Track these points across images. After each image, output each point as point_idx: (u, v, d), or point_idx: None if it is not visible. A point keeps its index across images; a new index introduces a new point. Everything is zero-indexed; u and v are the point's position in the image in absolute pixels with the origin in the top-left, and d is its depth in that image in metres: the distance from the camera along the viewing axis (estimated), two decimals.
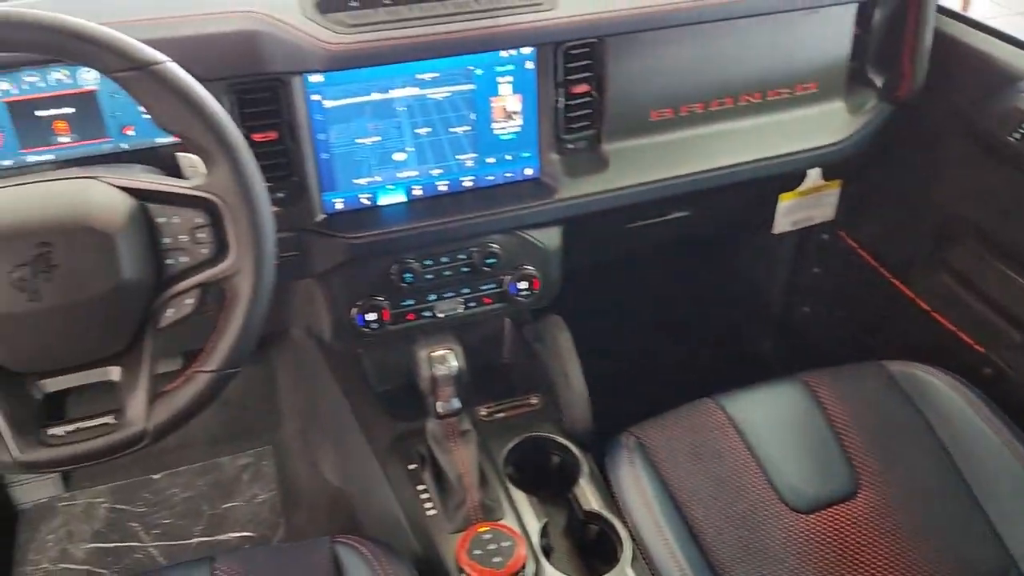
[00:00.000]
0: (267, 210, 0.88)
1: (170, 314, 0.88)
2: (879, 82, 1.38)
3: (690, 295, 1.89)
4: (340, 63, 1.02)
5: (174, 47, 0.85)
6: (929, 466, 1.23)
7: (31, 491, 1.70)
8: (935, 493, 1.20)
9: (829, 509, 1.19)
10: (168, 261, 0.87)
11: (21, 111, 1.03)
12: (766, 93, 1.31)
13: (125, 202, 0.85)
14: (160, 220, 0.86)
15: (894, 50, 1.34)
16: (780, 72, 1.30)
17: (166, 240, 0.86)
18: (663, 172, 1.27)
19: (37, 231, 0.80)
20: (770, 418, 1.28)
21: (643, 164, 1.26)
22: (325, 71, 1.05)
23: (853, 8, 1.31)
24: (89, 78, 1.05)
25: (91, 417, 0.87)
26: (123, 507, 1.69)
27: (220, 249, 0.87)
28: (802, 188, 1.51)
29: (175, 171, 0.98)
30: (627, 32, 1.15)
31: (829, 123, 1.36)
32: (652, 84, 1.23)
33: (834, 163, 1.41)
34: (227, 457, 1.78)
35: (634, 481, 1.20)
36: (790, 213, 1.54)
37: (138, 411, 0.87)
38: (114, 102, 1.07)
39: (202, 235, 0.86)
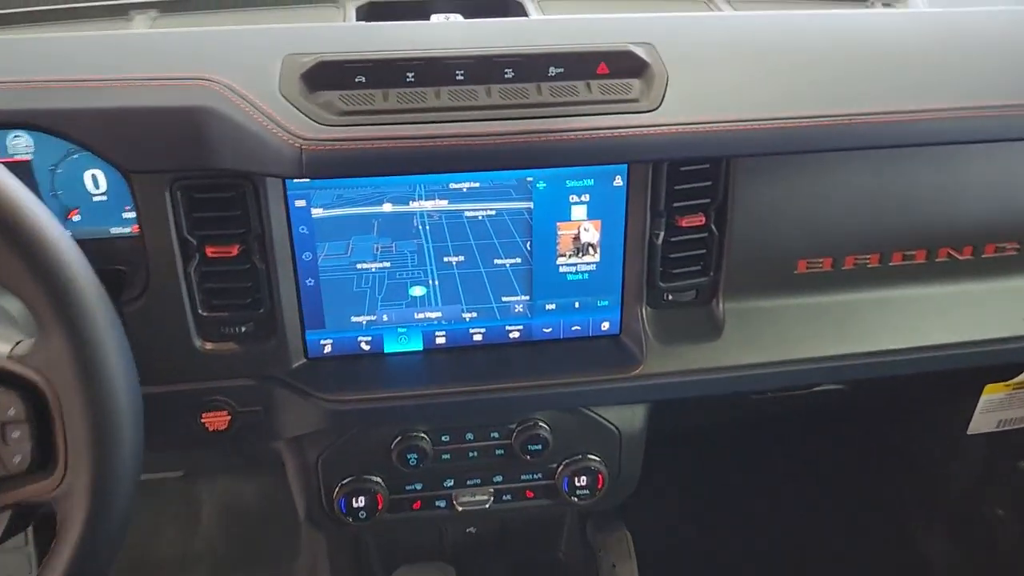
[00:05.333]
0: (124, 405, 0.56)
1: None
2: None
3: (831, 469, 1.41)
4: (319, 170, 0.69)
5: (95, 120, 0.69)
6: None
7: None
8: None
9: None
10: None
11: None
12: (980, 248, 0.87)
13: None
14: None
15: None
16: (1003, 221, 0.86)
17: None
18: (807, 349, 0.85)
19: None
20: None
21: (777, 334, 0.85)
22: (303, 178, 0.72)
23: None
24: None
25: None
26: None
27: (43, 457, 0.55)
28: (1020, 379, 1.03)
29: None
30: (764, 154, 0.75)
31: None
32: (803, 220, 0.83)
33: None
34: None
35: None
36: (997, 410, 1.07)
37: None
38: None
39: (16, 434, 0.55)
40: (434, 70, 0.72)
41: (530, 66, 0.73)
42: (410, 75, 0.72)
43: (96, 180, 0.84)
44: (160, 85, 0.70)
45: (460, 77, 0.73)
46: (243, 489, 1.56)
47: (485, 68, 0.73)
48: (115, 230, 0.87)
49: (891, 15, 0.89)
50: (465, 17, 0.85)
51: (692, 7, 0.94)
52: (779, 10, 0.95)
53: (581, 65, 0.74)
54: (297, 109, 0.69)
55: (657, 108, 0.72)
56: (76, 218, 0.86)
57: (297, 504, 0.91)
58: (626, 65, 0.74)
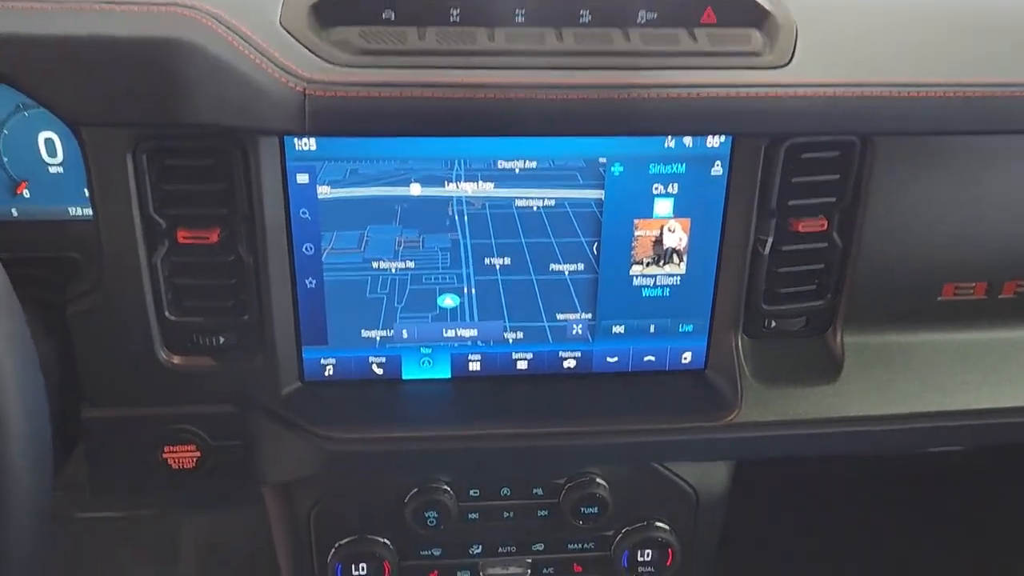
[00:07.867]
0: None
1: None
2: None
3: (943, 546, 1.18)
4: (328, 123, 0.51)
5: (34, 51, 0.52)
6: None
7: None
8: None
9: None
10: None
11: None
12: None
13: None
14: None
15: None
16: None
17: None
18: (950, 400, 0.66)
19: None
20: None
21: (911, 379, 0.66)
22: (306, 134, 0.54)
23: None
24: None
25: None
26: None
27: None
28: None
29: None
30: (932, 133, 0.56)
31: None
32: (953, 231, 0.64)
33: None
34: None
35: None
36: None
37: None
38: None
39: None
40: (488, 5, 0.54)
41: (613, 8, 0.55)
42: (455, 12, 0.54)
43: (52, 145, 0.68)
44: (124, 10, 0.53)
45: (520, 18, 0.55)
46: (225, 527, 1.37)
47: (553, 7, 0.55)
48: (74, 211, 0.70)
49: None
50: None
51: None
52: None
53: (681, 10, 0.56)
54: (302, 44, 0.51)
55: (787, 64, 0.53)
56: (25, 193, 0.69)
57: (281, 565, 0.72)
58: (741, 13, 0.56)
